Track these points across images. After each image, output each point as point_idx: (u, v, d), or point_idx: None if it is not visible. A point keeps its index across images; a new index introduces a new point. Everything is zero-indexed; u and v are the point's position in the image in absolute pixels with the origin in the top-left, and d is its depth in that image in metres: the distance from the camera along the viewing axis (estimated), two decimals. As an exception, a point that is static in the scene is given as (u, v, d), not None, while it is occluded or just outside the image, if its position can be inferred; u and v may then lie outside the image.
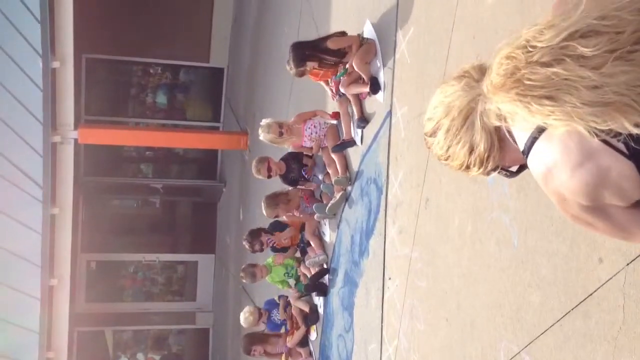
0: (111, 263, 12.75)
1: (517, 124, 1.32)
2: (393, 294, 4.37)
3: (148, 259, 12.76)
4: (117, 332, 12.90)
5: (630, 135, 1.20)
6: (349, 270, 5.30)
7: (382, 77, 4.69)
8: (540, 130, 1.29)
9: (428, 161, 3.92)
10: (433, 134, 1.47)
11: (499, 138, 1.40)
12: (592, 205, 1.30)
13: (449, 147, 1.44)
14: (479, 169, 1.44)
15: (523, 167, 1.49)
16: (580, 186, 1.27)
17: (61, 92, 8.12)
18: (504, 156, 1.44)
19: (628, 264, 2.30)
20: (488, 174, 1.48)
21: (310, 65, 5.00)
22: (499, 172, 1.50)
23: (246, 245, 6.31)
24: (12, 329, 8.47)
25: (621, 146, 1.24)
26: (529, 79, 1.21)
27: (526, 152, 1.34)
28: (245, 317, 6.44)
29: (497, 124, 1.35)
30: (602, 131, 1.18)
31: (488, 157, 1.41)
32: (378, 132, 4.75)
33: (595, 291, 2.45)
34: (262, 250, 6.30)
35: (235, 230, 10.42)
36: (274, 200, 5.90)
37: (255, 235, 6.24)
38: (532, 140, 1.31)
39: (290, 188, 6.00)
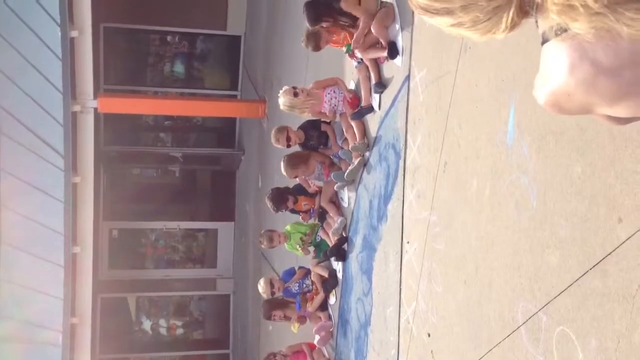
0: (133, 231, 12.91)
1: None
2: (411, 257, 4.40)
3: (169, 227, 12.91)
4: (139, 299, 13.12)
5: None
6: (368, 235, 5.33)
7: (400, 42, 4.64)
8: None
9: (447, 125, 3.90)
10: None
11: None
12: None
13: None
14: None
15: None
16: None
17: (80, 62, 8.15)
18: None
19: (647, 223, 2.29)
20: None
21: (325, 26, 4.93)
22: None
23: (270, 203, 6.19)
24: (37, 296, 8.65)
25: None
26: None
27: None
28: (261, 288, 6.57)
29: None
30: None
31: None
32: (396, 97, 4.73)
33: (614, 250, 2.45)
34: (291, 204, 6.22)
35: (254, 197, 10.49)
36: (293, 160, 5.86)
37: (281, 193, 6.23)
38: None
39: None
